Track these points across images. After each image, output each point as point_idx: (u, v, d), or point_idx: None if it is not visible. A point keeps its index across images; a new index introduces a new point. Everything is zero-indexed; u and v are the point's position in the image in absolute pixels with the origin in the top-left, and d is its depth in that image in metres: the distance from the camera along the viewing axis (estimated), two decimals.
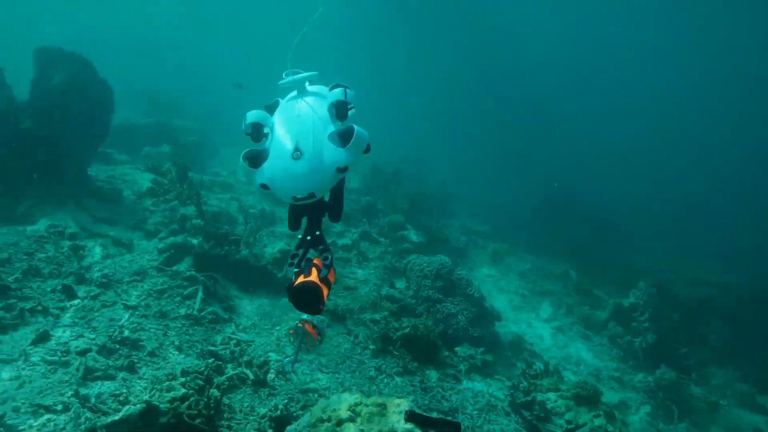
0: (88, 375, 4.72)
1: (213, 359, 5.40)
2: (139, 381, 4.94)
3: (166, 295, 6.68)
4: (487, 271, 13.40)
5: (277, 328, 6.97)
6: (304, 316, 3.23)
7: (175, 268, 7.37)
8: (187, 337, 6.02)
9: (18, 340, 5.01)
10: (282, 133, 3.15)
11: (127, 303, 6.20)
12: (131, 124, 14.63)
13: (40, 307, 5.56)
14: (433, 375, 7.03)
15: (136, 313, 6.11)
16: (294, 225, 3.42)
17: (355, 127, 3.09)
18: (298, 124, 3.15)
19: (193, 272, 7.20)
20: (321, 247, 3.19)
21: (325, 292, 2.95)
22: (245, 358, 5.77)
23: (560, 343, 10.05)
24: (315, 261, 3.04)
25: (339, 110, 3.17)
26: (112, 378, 4.84)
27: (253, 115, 3.23)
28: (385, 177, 14.42)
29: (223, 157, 16.67)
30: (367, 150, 3.29)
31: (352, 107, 3.26)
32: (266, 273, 8.04)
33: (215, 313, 6.64)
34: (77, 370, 4.70)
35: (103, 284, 6.49)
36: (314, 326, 3.30)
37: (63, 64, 8.91)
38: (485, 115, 36.52)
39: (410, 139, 27.08)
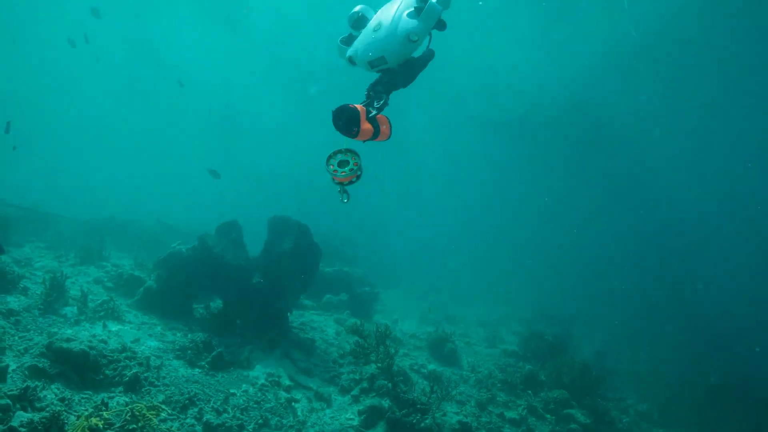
0: None
1: None
2: None
3: None
4: None
5: None
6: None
7: (371, 431, 8.04)
8: None
9: None
10: (373, 18, 4.00)
11: None
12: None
13: None
14: None
15: None
16: None
17: (430, 0, 3.71)
18: (387, 9, 3.93)
19: None
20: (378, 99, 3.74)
21: (367, 127, 3.38)
22: None
23: None
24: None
25: None
26: None
27: (360, 7, 4.14)
28: (545, 344, 14.31)
29: (385, 304, 17.85)
30: (441, 25, 3.90)
31: None
32: None
33: None
34: None
35: None
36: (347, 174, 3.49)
37: (290, 232, 10.88)
38: (636, 270, 34.56)
39: (555, 290, 26.49)
